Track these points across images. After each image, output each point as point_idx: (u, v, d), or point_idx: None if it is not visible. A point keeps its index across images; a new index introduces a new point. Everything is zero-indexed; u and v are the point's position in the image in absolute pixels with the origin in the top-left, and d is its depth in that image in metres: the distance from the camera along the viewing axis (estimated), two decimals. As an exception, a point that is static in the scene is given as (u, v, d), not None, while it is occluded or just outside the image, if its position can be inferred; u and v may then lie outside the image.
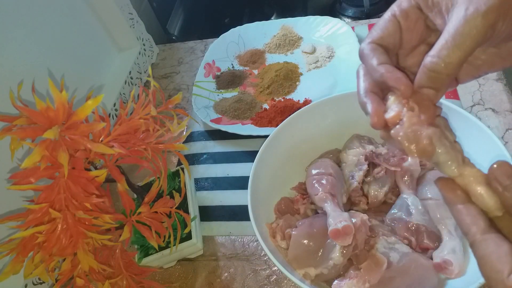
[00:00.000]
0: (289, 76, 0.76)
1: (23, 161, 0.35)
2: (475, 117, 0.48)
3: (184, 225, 0.55)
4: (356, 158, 0.53)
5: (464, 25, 0.25)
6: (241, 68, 0.82)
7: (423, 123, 0.28)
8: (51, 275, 0.41)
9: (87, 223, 0.39)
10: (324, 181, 0.50)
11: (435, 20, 0.30)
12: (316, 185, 0.50)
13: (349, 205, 0.52)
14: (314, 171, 0.52)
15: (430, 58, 0.27)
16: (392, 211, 0.49)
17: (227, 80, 0.79)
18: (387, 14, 0.31)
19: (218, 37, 0.86)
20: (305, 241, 0.46)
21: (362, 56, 0.32)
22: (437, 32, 0.29)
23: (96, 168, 0.44)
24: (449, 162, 0.28)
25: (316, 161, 0.55)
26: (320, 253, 0.45)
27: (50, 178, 0.38)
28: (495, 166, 0.25)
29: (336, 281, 0.43)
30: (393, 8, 0.31)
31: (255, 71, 0.81)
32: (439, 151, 0.28)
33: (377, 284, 0.42)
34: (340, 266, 0.44)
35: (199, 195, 0.66)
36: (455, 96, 0.64)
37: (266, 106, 0.73)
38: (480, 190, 0.26)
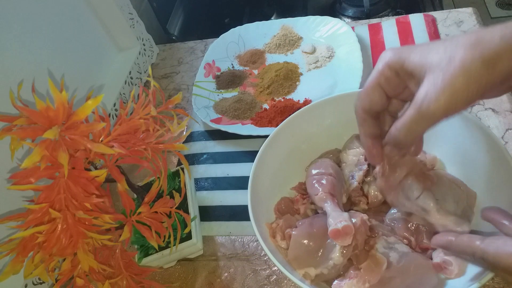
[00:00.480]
0: (289, 76, 0.76)
1: (23, 161, 0.35)
2: (475, 117, 0.48)
3: (184, 225, 0.55)
4: (356, 158, 0.53)
5: (423, 107, 0.31)
6: (241, 68, 0.82)
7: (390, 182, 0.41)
8: (51, 275, 0.41)
9: (87, 223, 0.39)
10: (324, 181, 0.50)
11: (411, 88, 0.35)
12: (316, 185, 0.50)
13: (349, 205, 0.52)
14: (314, 171, 0.52)
15: (394, 129, 0.34)
16: (392, 211, 0.49)
17: (227, 80, 0.79)
18: (373, 81, 0.37)
19: (218, 37, 0.86)
20: (305, 241, 0.46)
21: (356, 116, 0.39)
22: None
23: (96, 168, 0.44)
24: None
25: (316, 161, 0.55)
26: (320, 253, 0.45)
27: (50, 178, 0.38)
28: None
29: (336, 281, 0.43)
30: (376, 74, 0.36)
31: (255, 71, 0.81)
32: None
33: (377, 284, 0.42)
34: (340, 266, 0.44)
35: (199, 195, 0.66)
36: (455, 96, 0.64)
37: (266, 106, 0.73)
38: None
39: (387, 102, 0.38)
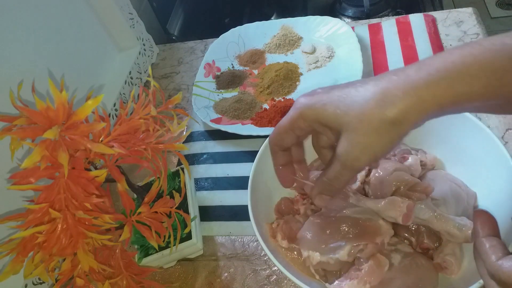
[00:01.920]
0: (289, 76, 0.76)
1: (23, 161, 0.35)
2: (475, 117, 0.48)
3: (184, 225, 0.55)
4: (356, 158, 0.53)
5: (347, 163, 0.34)
6: (241, 68, 0.82)
7: None
8: (51, 275, 0.41)
9: (87, 223, 0.39)
10: None
11: (326, 134, 0.38)
12: None
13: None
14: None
15: (324, 179, 0.37)
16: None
17: (227, 80, 0.79)
18: (285, 124, 0.38)
19: (218, 37, 0.86)
20: (319, 227, 0.47)
21: (269, 147, 0.43)
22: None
23: (96, 168, 0.44)
24: None
25: (314, 163, 0.55)
26: (329, 243, 0.45)
27: (50, 178, 0.38)
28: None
29: (336, 282, 0.43)
30: (291, 119, 0.38)
31: (255, 71, 0.81)
32: None
33: (378, 284, 0.42)
34: (344, 263, 0.44)
35: (199, 195, 0.66)
36: (455, 96, 0.64)
37: (266, 106, 0.73)
38: None
39: (297, 140, 0.40)
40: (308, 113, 0.36)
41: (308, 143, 0.57)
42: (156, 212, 0.47)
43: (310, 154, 0.57)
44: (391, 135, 0.31)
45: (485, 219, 0.32)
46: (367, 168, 0.52)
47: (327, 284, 0.44)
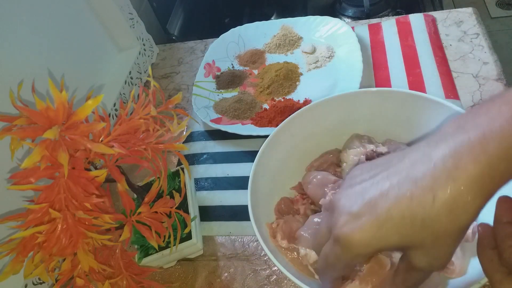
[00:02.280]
0: (289, 76, 0.76)
1: (23, 161, 0.35)
2: (475, 117, 0.48)
3: (184, 225, 0.55)
4: (357, 158, 0.53)
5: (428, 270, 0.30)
6: (241, 68, 0.82)
7: None
8: (51, 275, 0.41)
9: (87, 223, 0.39)
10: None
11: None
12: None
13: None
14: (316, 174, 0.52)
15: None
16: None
17: (227, 80, 0.79)
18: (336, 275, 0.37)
19: (218, 37, 0.86)
20: (317, 226, 0.46)
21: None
22: None
23: (96, 168, 0.44)
24: None
25: (314, 165, 0.55)
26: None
27: (50, 178, 0.38)
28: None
29: None
30: (342, 268, 0.35)
31: (255, 71, 0.81)
32: None
33: (379, 284, 0.42)
34: None
35: (199, 195, 0.66)
36: (455, 96, 0.64)
37: (266, 106, 0.73)
38: None
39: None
40: (364, 251, 0.30)
41: (307, 143, 0.57)
42: (156, 212, 0.47)
43: (310, 154, 0.58)
44: (463, 234, 0.28)
45: (510, 205, 0.30)
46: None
47: None
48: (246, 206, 0.48)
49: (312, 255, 0.45)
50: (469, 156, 0.25)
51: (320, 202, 0.49)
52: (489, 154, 0.25)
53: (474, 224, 0.46)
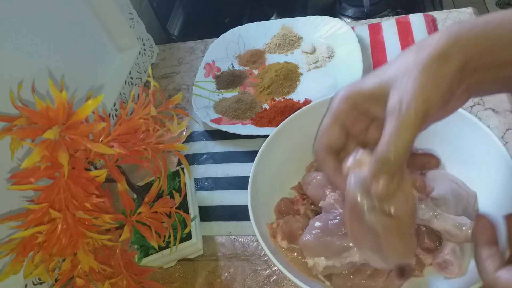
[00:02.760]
0: (289, 76, 0.76)
1: (23, 161, 0.35)
2: (475, 117, 0.48)
3: (184, 225, 0.55)
4: (356, 158, 0.53)
5: (401, 120, 0.29)
6: (241, 68, 0.82)
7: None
8: (51, 275, 0.41)
9: (87, 223, 0.39)
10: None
11: (376, 112, 0.34)
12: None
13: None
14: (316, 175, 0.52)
15: (379, 149, 0.31)
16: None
17: (227, 80, 0.79)
18: (329, 122, 0.36)
19: (218, 37, 0.86)
20: (321, 230, 0.46)
21: (316, 157, 0.38)
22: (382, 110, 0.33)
23: (96, 168, 0.44)
24: None
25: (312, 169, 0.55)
26: (335, 245, 0.44)
27: (50, 178, 0.38)
28: None
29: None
30: (333, 113, 0.36)
31: (255, 71, 0.81)
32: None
33: None
34: (351, 265, 0.44)
35: (199, 195, 0.66)
36: (455, 96, 0.64)
37: (266, 106, 0.73)
38: None
39: (345, 140, 0.37)
40: (349, 93, 0.34)
41: (307, 143, 0.57)
42: (156, 212, 0.47)
43: (310, 154, 0.58)
44: (441, 73, 0.29)
45: (484, 224, 0.32)
46: None
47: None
48: (246, 206, 0.48)
49: (321, 263, 0.45)
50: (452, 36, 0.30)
51: (320, 204, 0.49)
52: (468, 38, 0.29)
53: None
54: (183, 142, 0.73)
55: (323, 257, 0.45)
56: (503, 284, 0.27)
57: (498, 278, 0.28)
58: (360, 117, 0.36)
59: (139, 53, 0.85)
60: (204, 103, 0.76)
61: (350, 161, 0.35)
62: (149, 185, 0.51)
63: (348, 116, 0.35)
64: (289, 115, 0.55)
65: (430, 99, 0.29)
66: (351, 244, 0.44)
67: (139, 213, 0.46)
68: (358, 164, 0.34)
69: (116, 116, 0.75)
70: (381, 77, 0.32)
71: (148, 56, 0.89)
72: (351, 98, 0.34)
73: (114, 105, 0.75)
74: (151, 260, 0.54)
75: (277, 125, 0.56)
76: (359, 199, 0.33)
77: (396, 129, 0.29)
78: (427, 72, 0.29)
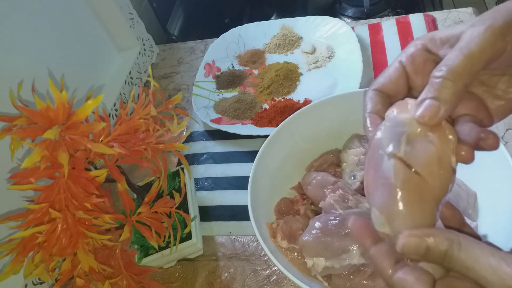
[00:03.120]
0: (289, 76, 0.76)
1: (23, 161, 0.35)
2: (475, 117, 0.48)
3: (184, 225, 0.55)
4: (357, 158, 0.53)
5: (470, 37, 0.26)
6: (241, 68, 0.82)
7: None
8: (51, 275, 0.41)
9: (87, 223, 0.39)
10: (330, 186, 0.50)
11: (443, 52, 0.29)
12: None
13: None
14: (316, 175, 0.52)
15: (436, 68, 0.27)
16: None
17: (227, 80, 0.79)
18: (395, 61, 0.31)
19: (218, 37, 0.86)
20: (321, 230, 0.46)
21: (364, 100, 0.32)
22: None
23: (96, 168, 0.44)
24: None
25: (313, 168, 0.55)
26: (335, 246, 0.44)
27: (50, 178, 0.38)
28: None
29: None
30: (401, 55, 0.31)
31: (255, 71, 0.81)
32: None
33: None
34: (356, 266, 0.44)
35: (199, 195, 0.66)
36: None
37: (266, 106, 0.73)
38: None
39: (404, 88, 0.31)
40: (422, 39, 0.30)
41: (307, 143, 0.57)
42: (156, 212, 0.47)
43: (310, 154, 0.58)
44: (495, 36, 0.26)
45: (361, 225, 0.28)
46: None
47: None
48: (246, 206, 0.48)
49: (320, 264, 0.45)
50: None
51: (320, 205, 0.49)
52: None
53: (475, 224, 0.46)
54: (183, 142, 0.73)
55: (322, 258, 0.45)
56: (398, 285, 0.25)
57: (396, 279, 0.25)
58: (428, 63, 0.30)
59: (139, 53, 0.85)
60: (204, 103, 0.76)
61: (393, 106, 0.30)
62: (149, 185, 0.51)
63: (415, 60, 0.30)
64: (289, 115, 0.55)
65: (495, 40, 0.26)
66: (350, 247, 0.44)
67: (139, 213, 0.46)
68: (400, 107, 0.29)
69: (116, 116, 0.75)
70: (459, 26, 0.28)
71: (148, 56, 0.89)
72: (424, 43, 0.30)
73: (114, 105, 0.75)
74: (151, 260, 0.54)
75: (277, 125, 0.56)
76: (383, 140, 0.27)
77: (462, 47, 0.26)
78: (503, 19, 0.26)
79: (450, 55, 0.26)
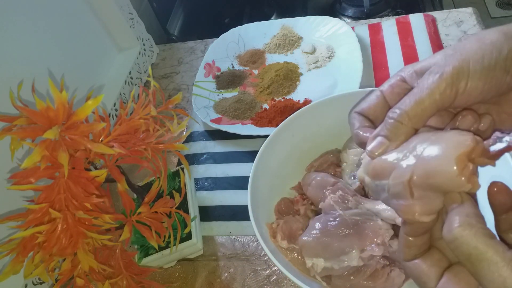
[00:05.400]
0: (289, 76, 0.76)
1: (23, 161, 0.35)
2: (475, 117, 0.48)
3: (184, 225, 0.55)
4: (357, 158, 0.53)
5: (423, 86, 0.28)
6: (241, 68, 0.82)
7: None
8: (51, 275, 0.41)
9: (87, 223, 0.39)
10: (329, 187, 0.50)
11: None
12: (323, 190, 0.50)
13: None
14: (316, 176, 0.52)
15: (392, 108, 0.29)
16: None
17: (227, 80, 0.79)
18: (376, 90, 0.34)
19: (218, 37, 0.86)
20: (321, 231, 0.46)
21: (349, 122, 0.35)
22: None
23: (96, 168, 0.44)
24: None
25: (312, 169, 0.55)
26: (334, 247, 0.45)
27: (50, 178, 0.38)
28: None
29: None
30: (383, 85, 0.34)
31: (255, 71, 0.81)
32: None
33: None
34: (356, 267, 0.44)
35: (199, 195, 0.66)
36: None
37: (266, 106, 0.73)
38: None
39: (383, 115, 0.33)
40: (402, 70, 0.32)
41: (307, 143, 0.57)
42: (156, 212, 0.47)
43: (310, 154, 0.58)
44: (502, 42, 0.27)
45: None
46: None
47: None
48: (246, 206, 0.48)
49: (319, 264, 0.45)
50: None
51: (319, 206, 0.49)
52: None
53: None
54: (183, 142, 0.73)
55: (321, 259, 0.45)
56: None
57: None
58: (404, 92, 0.32)
59: (139, 53, 0.85)
60: (204, 103, 0.76)
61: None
62: (149, 185, 0.51)
63: (393, 90, 0.33)
64: (289, 115, 0.55)
65: (467, 61, 0.27)
66: (350, 249, 0.44)
67: (139, 213, 0.46)
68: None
69: (116, 116, 0.75)
70: (433, 57, 0.30)
71: (148, 56, 0.89)
72: (402, 75, 0.32)
73: (114, 105, 0.75)
74: (151, 260, 0.54)
75: (277, 125, 0.56)
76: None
77: (416, 91, 0.28)
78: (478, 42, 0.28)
79: (405, 99, 0.29)
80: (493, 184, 0.29)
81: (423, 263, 0.26)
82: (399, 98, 0.31)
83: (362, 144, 0.32)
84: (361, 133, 0.32)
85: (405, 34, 0.76)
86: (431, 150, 0.26)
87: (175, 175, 0.62)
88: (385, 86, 0.33)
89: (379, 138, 0.30)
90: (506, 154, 0.44)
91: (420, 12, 0.80)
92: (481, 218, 0.25)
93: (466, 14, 0.76)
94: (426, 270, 0.26)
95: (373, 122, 0.34)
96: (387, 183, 0.28)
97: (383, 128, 0.30)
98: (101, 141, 0.41)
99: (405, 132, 0.29)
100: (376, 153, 0.30)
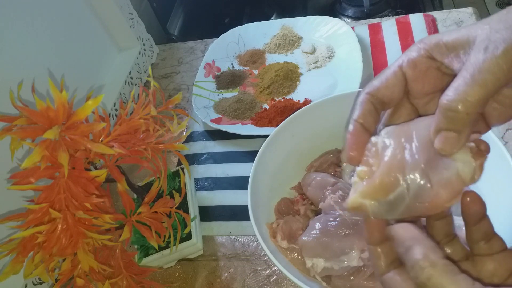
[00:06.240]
0: (289, 76, 0.76)
1: (23, 161, 0.35)
2: (475, 117, 0.48)
3: (184, 225, 0.55)
4: (356, 158, 0.53)
5: (483, 63, 0.24)
6: (241, 68, 0.82)
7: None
8: (51, 275, 0.41)
9: (87, 223, 0.39)
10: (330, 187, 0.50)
11: (452, 65, 0.27)
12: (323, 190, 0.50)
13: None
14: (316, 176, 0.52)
15: (446, 97, 0.25)
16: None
17: (227, 80, 0.79)
18: (394, 65, 0.29)
19: (218, 37, 0.86)
20: (321, 231, 0.46)
21: (355, 102, 0.31)
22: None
23: (96, 168, 0.44)
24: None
25: (313, 167, 0.55)
26: (334, 247, 0.45)
27: (50, 178, 0.38)
28: None
29: None
30: (401, 58, 0.29)
31: (255, 71, 0.81)
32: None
33: None
34: (355, 268, 0.44)
35: (199, 195, 0.66)
36: (455, 96, 0.64)
37: (266, 106, 0.73)
38: None
39: (401, 95, 0.30)
40: (425, 42, 0.28)
41: (307, 143, 0.57)
42: (156, 212, 0.47)
43: (310, 154, 0.58)
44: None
45: (372, 224, 0.28)
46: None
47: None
48: (246, 206, 0.48)
49: (319, 264, 0.45)
50: None
51: (320, 206, 0.49)
52: None
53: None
54: (183, 142, 0.72)
55: (321, 259, 0.45)
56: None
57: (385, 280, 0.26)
58: (430, 71, 0.29)
59: (139, 53, 0.85)
60: (204, 103, 0.76)
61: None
62: (149, 185, 0.51)
63: (416, 66, 0.28)
64: (289, 115, 0.55)
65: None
66: (349, 249, 0.44)
67: (139, 213, 0.46)
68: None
69: (116, 116, 0.75)
70: (467, 31, 0.26)
71: (148, 56, 0.89)
72: (428, 49, 0.28)
73: (114, 105, 0.75)
74: (151, 260, 0.54)
75: (277, 125, 0.56)
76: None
77: (474, 73, 0.24)
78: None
79: (462, 82, 0.24)
80: (466, 194, 0.26)
81: (398, 275, 0.26)
82: (424, 76, 0.28)
83: (352, 159, 0.29)
84: (349, 138, 0.29)
85: (405, 34, 0.76)
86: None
87: (175, 175, 0.62)
88: (405, 62, 0.29)
89: (444, 133, 0.25)
90: (506, 154, 0.44)
91: (420, 12, 0.80)
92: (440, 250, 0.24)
93: (466, 14, 0.76)
94: (401, 283, 0.25)
95: (385, 104, 0.29)
96: (404, 186, 0.25)
97: (442, 120, 0.25)
98: (101, 141, 0.41)
99: (471, 120, 0.25)
100: (455, 150, 0.25)
